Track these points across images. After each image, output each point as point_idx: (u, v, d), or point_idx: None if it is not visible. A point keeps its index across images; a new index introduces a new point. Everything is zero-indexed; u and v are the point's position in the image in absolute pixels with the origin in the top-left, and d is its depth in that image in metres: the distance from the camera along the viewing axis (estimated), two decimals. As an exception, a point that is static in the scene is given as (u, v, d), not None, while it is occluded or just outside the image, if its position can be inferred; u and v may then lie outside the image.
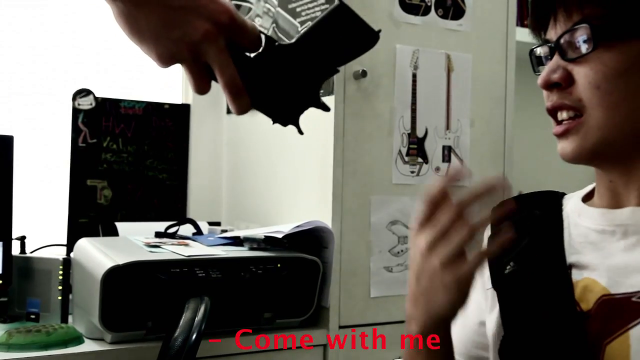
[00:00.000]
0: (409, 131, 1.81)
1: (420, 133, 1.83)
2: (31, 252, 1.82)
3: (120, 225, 1.88)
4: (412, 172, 1.82)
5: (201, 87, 0.71)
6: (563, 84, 0.75)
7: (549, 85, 0.77)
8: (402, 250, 1.80)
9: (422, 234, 0.71)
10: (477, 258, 0.69)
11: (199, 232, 1.87)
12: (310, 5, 1.82)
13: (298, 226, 1.61)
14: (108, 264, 1.40)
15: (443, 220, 0.69)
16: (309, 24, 0.72)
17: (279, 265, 1.58)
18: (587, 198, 0.85)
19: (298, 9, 1.88)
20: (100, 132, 2.04)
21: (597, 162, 0.79)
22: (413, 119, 1.82)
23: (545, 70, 0.77)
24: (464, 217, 0.69)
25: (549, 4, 0.77)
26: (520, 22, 1.88)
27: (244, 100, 0.71)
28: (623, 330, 0.71)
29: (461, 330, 0.88)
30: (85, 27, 2.10)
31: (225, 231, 1.91)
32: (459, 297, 0.69)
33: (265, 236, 1.62)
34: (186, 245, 1.64)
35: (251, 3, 2.12)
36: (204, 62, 0.68)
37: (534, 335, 0.78)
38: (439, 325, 0.73)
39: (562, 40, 0.75)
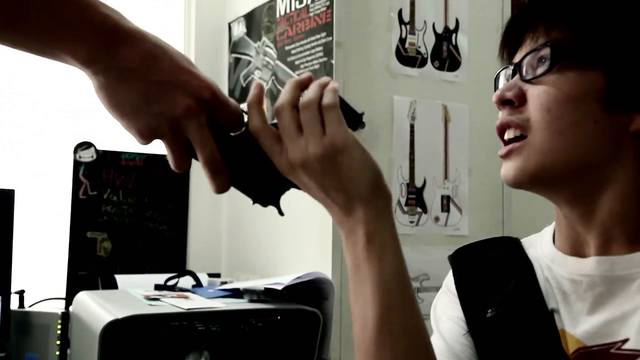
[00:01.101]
0: (408, 181, 1.82)
1: (418, 183, 1.84)
2: (30, 306, 1.81)
3: (119, 278, 1.87)
4: (412, 222, 1.82)
5: (180, 163, 0.71)
6: (516, 102, 0.75)
7: (502, 102, 0.77)
8: (402, 301, 1.79)
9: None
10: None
11: (198, 284, 1.87)
12: (309, 59, 1.85)
13: (298, 277, 1.60)
14: (107, 317, 1.39)
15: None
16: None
17: (278, 317, 1.56)
18: (554, 240, 0.84)
19: (297, 62, 1.92)
20: (101, 184, 2.05)
21: (539, 188, 0.78)
22: (411, 169, 1.83)
23: (500, 88, 0.78)
24: None
25: (520, 28, 0.78)
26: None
27: (223, 178, 0.70)
28: None
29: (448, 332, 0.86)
30: (85, 79, 2.13)
31: (225, 283, 1.90)
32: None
33: (265, 288, 1.62)
34: (186, 297, 1.63)
35: (250, 56, 2.16)
36: (185, 138, 0.68)
37: None
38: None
39: (524, 61, 0.76)
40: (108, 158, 2.07)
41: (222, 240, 2.26)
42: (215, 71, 2.30)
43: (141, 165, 2.12)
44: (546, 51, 0.73)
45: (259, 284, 1.65)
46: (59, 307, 1.87)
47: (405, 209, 1.82)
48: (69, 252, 1.96)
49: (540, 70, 0.73)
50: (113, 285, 1.84)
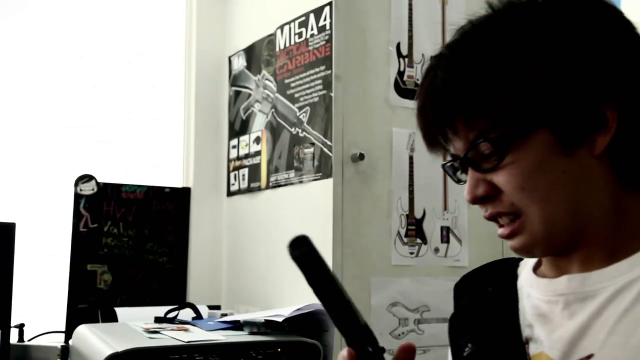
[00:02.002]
0: (407, 212, 1.83)
1: (418, 214, 1.85)
2: (29, 340, 1.81)
3: (119, 311, 1.87)
4: (412, 253, 1.83)
5: None
6: (490, 197, 0.76)
7: (478, 200, 0.77)
8: (403, 333, 1.79)
9: None
10: None
11: (198, 316, 1.86)
12: (308, 92, 1.87)
13: (298, 309, 1.60)
14: (107, 351, 1.39)
15: None
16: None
17: (279, 349, 1.56)
18: (538, 265, 0.85)
19: (296, 95, 1.94)
20: (102, 216, 2.05)
21: (551, 253, 0.79)
22: (411, 200, 1.84)
23: (467, 188, 0.78)
24: None
25: (436, 129, 0.77)
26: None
27: None
28: None
29: None
30: (86, 113, 2.16)
31: (225, 315, 1.90)
32: None
33: (265, 320, 1.62)
34: (186, 330, 1.63)
35: (250, 89, 2.18)
36: None
37: None
38: None
39: (469, 155, 0.76)
40: (109, 191, 2.08)
41: (222, 273, 2.26)
42: (216, 104, 2.32)
43: (141, 197, 2.13)
44: (486, 146, 0.74)
45: (259, 316, 1.65)
46: (58, 340, 1.86)
47: (405, 240, 1.82)
48: (69, 284, 1.96)
49: (493, 162, 0.74)
50: (113, 318, 1.84)
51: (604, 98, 0.72)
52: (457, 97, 0.74)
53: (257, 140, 2.11)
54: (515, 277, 0.86)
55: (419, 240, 1.84)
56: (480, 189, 0.76)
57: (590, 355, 0.71)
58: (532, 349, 0.78)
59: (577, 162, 0.73)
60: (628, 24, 0.76)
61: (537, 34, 0.73)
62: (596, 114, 0.72)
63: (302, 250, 0.66)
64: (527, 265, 0.86)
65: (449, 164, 0.82)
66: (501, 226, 0.78)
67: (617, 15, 0.77)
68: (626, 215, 0.75)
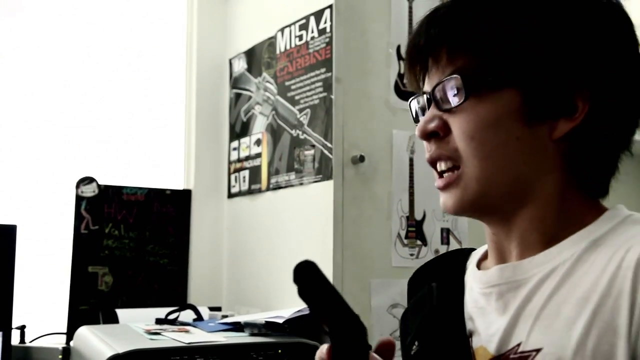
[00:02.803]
0: (407, 214, 1.84)
1: (418, 216, 1.85)
2: (31, 342, 1.81)
3: (120, 312, 1.87)
4: (412, 254, 1.83)
5: None
6: (440, 133, 0.75)
7: (427, 135, 0.76)
8: (403, 334, 1.79)
9: None
10: None
11: (199, 317, 1.87)
12: (308, 94, 1.88)
13: (299, 311, 1.60)
14: (108, 352, 1.39)
15: None
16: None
17: (280, 351, 1.56)
18: (485, 257, 0.84)
19: (297, 97, 1.94)
20: (103, 218, 2.06)
21: (478, 215, 0.79)
22: (411, 202, 1.85)
23: (422, 120, 0.77)
24: None
25: (421, 55, 0.77)
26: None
27: None
28: None
29: None
30: (87, 115, 2.16)
31: (226, 316, 1.90)
32: None
33: (266, 321, 1.62)
34: (187, 331, 1.63)
35: (251, 91, 2.19)
36: None
37: None
38: None
39: (436, 91, 0.75)
40: (110, 193, 2.08)
41: (223, 274, 2.27)
42: (216, 106, 2.33)
43: (142, 199, 2.14)
44: (457, 81, 0.73)
45: (260, 317, 1.66)
46: (60, 342, 1.87)
47: (405, 241, 1.83)
48: (70, 286, 1.96)
49: (456, 101, 0.73)
50: (114, 320, 1.84)
51: (581, 86, 0.72)
52: (450, 27, 0.74)
53: (258, 142, 2.12)
54: (463, 269, 0.86)
55: (419, 242, 1.85)
56: (433, 124, 0.75)
57: (519, 344, 0.72)
58: (474, 343, 0.77)
59: (533, 135, 0.72)
60: (627, 22, 0.76)
61: (543, 2, 0.73)
62: (569, 98, 0.72)
63: (303, 281, 0.65)
64: (475, 257, 0.86)
65: (414, 99, 0.81)
66: (440, 176, 0.77)
67: (619, 10, 0.76)
68: (567, 204, 0.75)
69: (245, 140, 2.20)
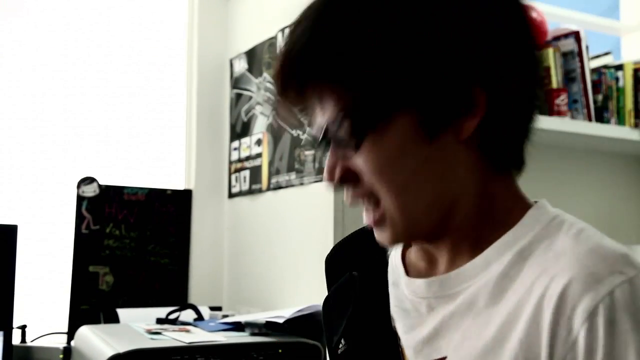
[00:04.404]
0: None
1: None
2: (32, 341, 1.82)
3: (121, 312, 1.87)
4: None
5: None
6: (349, 180, 0.71)
7: (338, 184, 0.72)
8: (404, 334, 1.79)
9: None
10: None
11: (200, 317, 1.87)
12: (308, 94, 1.88)
13: (299, 310, 1.61)
14: (109, 352, 1.39)
15: None
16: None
17: (280, 350, 1.56)
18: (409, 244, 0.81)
19: (297, 97, 1.94)
20: (103, 218, 2.06)
21: (417, 242, 0.76)
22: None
23: (326, 169, 0.72)
24: None
25: (297, 98, 0.71)
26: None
27: None
28: None
29: None
30: (88, 115, 2.17)
31: (227, 316, 1.90)
32: None
33: (266, 321, 1.62)
34: (187, 331, 1.63)
35: (252, 92, 2.19)
36: None
37: None
38: None
39: (329, 134, 0.70)
40: (110, 193, 2.09)
41: (223, 274, 2.27)
42: (217, 106, 2.33)
43: (143, 199, 2.14)
44: (345, 125, 0.68)
45: (260, 317, 1.66)
46: (61, 341, 1.87)
47: (406, 241, 1.83)
48: (71, 286, 1.96)
49: (352, 144, 0.69)
50: (115, 319, 1.85)
51: (472, 80, 0.67)
52: (317, 69, 0.68)
53: (259, 142, 2.12)
54: (385, 255, 0.83)
55: (419, 242, 1.85)
56: (338, 171, 0.71)
57: (444, 358, 0.70)
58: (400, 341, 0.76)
59: (441, 148, 0.68)
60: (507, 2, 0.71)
61: (403, 6, 0.66)
62: (463, 96, 0.67)
63: None
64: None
65: (308, 139, 0.77)
66: (367, 211, 0.73)
67: None
68: (492, 201, 0.72)
69: (245, 140, 2.20)
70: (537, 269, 0.67)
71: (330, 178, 0.71)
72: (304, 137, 1.89)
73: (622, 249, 0.66)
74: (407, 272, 0.79)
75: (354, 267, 0.84)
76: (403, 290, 0.77)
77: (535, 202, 0.75)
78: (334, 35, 0.67)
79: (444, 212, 0.71)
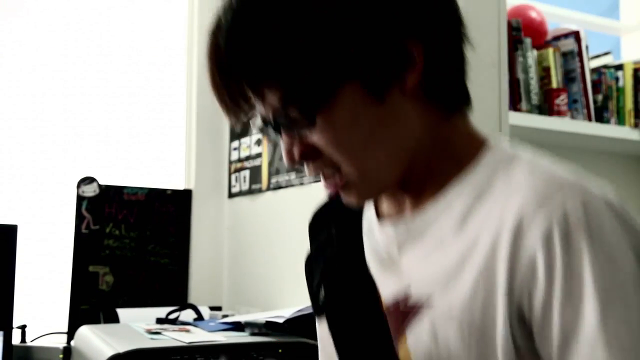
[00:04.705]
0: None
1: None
2: (32, 341, 1.82)
3: (121, 312, 1.87)
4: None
5: None
6: (309, 156, 0.73)
7: (299, 162, 0.74)
8: (404, 334, 1.79)
9: None
10: None
11: (200, 317, 1.87)
12: (308, 94, 1.88)
13: (299, 310, 1.61)
14: (109, 352, 1.39)
15: None
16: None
17: (280, 350, 1.57)
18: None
19: (297, 97, 1.94)
20: (103, 218, 2.06)
21: (384, 194, 0.79)
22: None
23: (283, 151, 0.74)
24: None
25: (236, 99, 0.72)
26: (513, 106, 1.93)
27: None
28: (401, 341, 0.73)
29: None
30: (88, 115, 2.17)
31: (227, 316, 1.90)
32: None
33: (266, 321, 1.62)
34: (187, 331, 1.63)
35: (252, 91, 2.19)
36: None
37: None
38: None
39: (278, 119, 0.71)
40: (110, 192, 2.09)
41: (223, 274, 2.27)
42: (217, 106, 2.30)
43: (143, 199, 2.14)
44: (293, 110, 0.69)
45: (260, 317, 1.66)
46: (60, 341, 1.87)
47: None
48: (71, 286, 1.96)
49: (303, 125, 0.70)
50: (115, 319, 1.85)
51: (404, 33, 0.69)
52: (249, 65, 0.69)
53: (258, 142, 2.12)
54: (361, 209, 0.85)
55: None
56: (296, 151, 0.73)
57: (411, 296, 0.73)
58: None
59: (390, 107, 0.71)
60: None
61: None
62: (400, 52, 0.69)
63: None
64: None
65: (259, 128, 0.76)
66: (326, 181, 0.75)
67: None
68: (447, 143, 0.75)
69: (245, 140, 2.20)
70: (495, 203, 0.70)
71: (291, 159, 0.73)
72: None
73: (575, 175, 0.69)
74: (380, 220, 0.82)
75: (332, 225, 0.87)
76: (377, 236, 0.80)
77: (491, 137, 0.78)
78: (256, 32, 0.68)
79: (404, 165, 0.74)
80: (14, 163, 2.06)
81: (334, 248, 0.84)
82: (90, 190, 2.04)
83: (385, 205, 0.82)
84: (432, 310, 0.70)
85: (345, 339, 0.80)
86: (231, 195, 2.27)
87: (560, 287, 0.63)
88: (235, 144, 2.25)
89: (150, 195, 2.15)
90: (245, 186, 2.18)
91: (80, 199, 2.02)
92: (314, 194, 1.83)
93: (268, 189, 2.05)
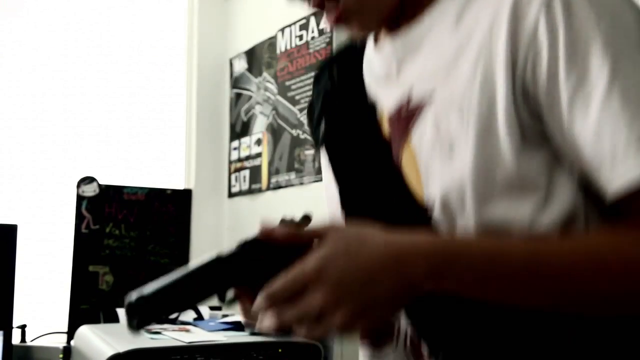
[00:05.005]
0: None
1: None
2: (32, 341, 1.82)
3: (121, 311, 1.87)
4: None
5: None
6: None
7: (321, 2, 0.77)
8: (403, 333, 1.79)
9: None
10: None
11: (200, 317, 1.87)
12: (308, 94, 1.88)
13: (299, 310, 1.61)
14: (109, 351, 1.39)
15: None
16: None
17: (280, 350, 1.57)
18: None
19: (297, 97, 1.95)
20: (103, 218, 2.06)
21: (385, 18, 0.80)
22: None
23: None
24: None
25: None
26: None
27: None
28: (405, 146, 0.74)
29: None
30: (88, 115, 2.17)
31: (227, 316, 1.90)
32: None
33: (266, 321, 1.62)
34: (187, 331, 1.63)
35: (251, 91, 2.19)
36: None
37: (359, 183, 0.81)
38: None
39: None
40: (110, 192, 2.09)
41: (223, 274, 2.27)
42: (217, 106, 2.33)
43: (143, 199, 2.14)
44: None
45: (260, 317, 1.66)
46: (60, 341, 1.87)
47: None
48: (71, 286, 1.96)
49: None
50: (115, 319, 1.85)
51: None
52: None
53: (258, 142, 2.12)
54: (362, 54, 0.87)
55: (419, 242, 1.85)
56: None
57: (410, 100, 0.73)
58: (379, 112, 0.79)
59: None
60: None
61: None
62: None
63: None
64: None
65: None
66: (327, 13, 0.78)
67: None
68: None
69: (245, 140, 2.20)
70: None
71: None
72: (303, 137, 1.89)
73: None
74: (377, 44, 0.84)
75: (334, 66, 0.89)
76: (375, 61, 0.81)
77: None
78: None
79: None
80: (14, 163, 2.06)
81: (334, 83, 0.86)
82: (90, 190, 2.04)
83: (382, 34, 0.83)
84: (434, 104, 0.71)
85: (344, 165, 0.83)
86: (231, 195, 2.27)
87: (564, 49, 0.63)
88: (235, 143, 2.26)
89: (150, 195, 2.15)
90: (245, 186, 2.18)
91: (80, 198, 2.02)
92: (314, 193, 1.84)
93: (268, 188, 2.05)
